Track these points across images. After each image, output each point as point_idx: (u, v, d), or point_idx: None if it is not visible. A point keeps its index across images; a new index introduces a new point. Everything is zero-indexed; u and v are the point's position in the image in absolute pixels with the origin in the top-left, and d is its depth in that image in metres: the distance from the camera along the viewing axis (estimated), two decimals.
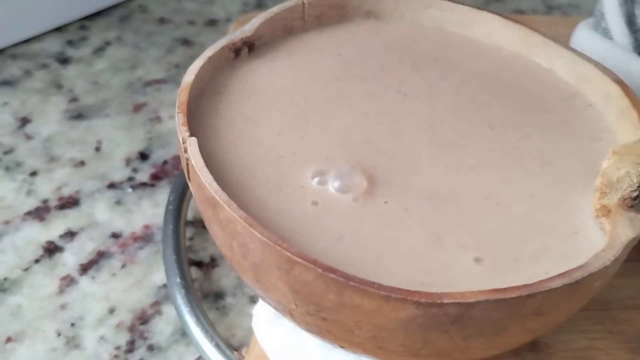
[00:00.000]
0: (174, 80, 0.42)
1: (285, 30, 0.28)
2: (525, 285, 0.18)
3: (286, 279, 0.19)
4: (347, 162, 0.22)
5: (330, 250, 0.20)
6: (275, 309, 0.21)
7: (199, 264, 0.32)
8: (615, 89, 0.25)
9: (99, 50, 0.44)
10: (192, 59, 0.43)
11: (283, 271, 0.19)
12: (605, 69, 0.25)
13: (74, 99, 0.40)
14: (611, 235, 0.20)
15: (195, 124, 0.23)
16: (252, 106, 0.24)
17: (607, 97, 0.25)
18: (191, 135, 0.22)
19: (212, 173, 0.21)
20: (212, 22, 0.47)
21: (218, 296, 0.30)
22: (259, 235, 0.19)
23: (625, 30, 0.33)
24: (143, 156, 0.37)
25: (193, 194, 0.22)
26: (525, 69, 0.27)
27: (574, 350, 0.27)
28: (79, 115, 0.39)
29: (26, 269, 0.31)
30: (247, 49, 0.27)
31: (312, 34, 0.28)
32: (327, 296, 0.18)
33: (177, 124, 0.22)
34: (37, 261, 0.31)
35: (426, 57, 0.28)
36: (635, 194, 0.21)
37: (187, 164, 0.22)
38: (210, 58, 0.25)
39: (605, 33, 0.34)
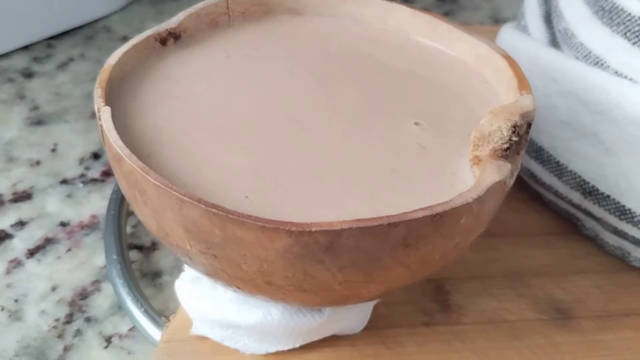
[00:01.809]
0: None
1: (211, 24, 0.31)
2: (388, 216, 0.20)
3: (179, 220, 0.21)
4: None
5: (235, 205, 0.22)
6: (177, 255, 0.23)
7: (140, 248, 0.34)
8: (503, 63, 0.27)
9: (63, 65, 0.46)
10: None
11: (175, 212, 0.21)
12: (497, 47, 0.28)
13: (35, 108, 0.42)
14: (479, 179, 0.22)
15: (117, 101, 0.26)
16: (170, 87, 0.27)
17: (498, 71, 0.27)
18: (107, 102, 0.24)
19: (125, 140, 0.23)
20: None
21: (156, 275, 0.32)
22: (153, 181, 0.21)
23: (542, 26, 0.36)
24: (96, 156, 0.39)
25: (109, 160, 0.24)
26: (430, 53, 0.30)
27: (483, 311, 0.29)
28: (39, 122, 0.41)
29: None
30: (173, 39, 0.29)
31: (236, 28, 0.31)
32: (213, 231, 0.20)
33: (95, 97, 0.25)
34: None
35: (339, 48, 0.30)
36: (505, 145, 0.23)
37: (102, 131, 0.24)
38: (134, 45, 0.28)
39: (524, 30, 0.37)
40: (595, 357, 0.27)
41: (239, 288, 0.23)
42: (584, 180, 0.30)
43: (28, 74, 0.45)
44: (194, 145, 0.24)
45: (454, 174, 0.24)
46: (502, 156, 0.23)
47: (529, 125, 0.24)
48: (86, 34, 0.50)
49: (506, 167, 0.23)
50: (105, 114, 0.24)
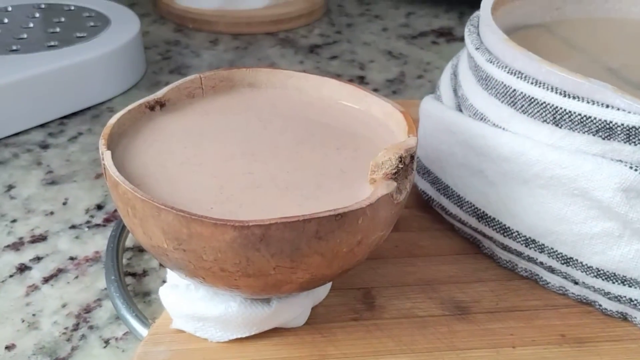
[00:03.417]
0: None
1: (189, 95, 0.40)
2: (303, 215, 0.29)
3: (158, 224, 0.30)
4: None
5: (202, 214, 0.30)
6: (158, 257, 0.32)
7: (133, 274, 0.42)
8: (401, 116, 0.36)
9: (73, 139, 0.56)
10: None
11: (155, 218, 0.29)
12: (398, 106, 0.37)
13: (50, 171, 0.52)
14: (372, 193, 0.31)
15: (116, 149, 0.35)
16: (156, 138, 0.36)
17: (398, 123, 0.37)
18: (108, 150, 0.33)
19: (120, 173, 0.32)
20: None
21: (146, 294, 0.40)
22: (140, 196, 0.30)
23: (451, 95, 0.45)
24: (99, 207, 0.48)
25: (109, 190, 0.33)
26: (351, 112, 0.39)
27: (400, 309, 0.37)
28: (52, 182, 0.50)
29: (3, 281, 0.41)
30: (160, 106, 0.39)
31: (208, 99, 0.40)
32: (182, 230, 0.29)
33: (100, 145, 0.34)
34: (11, 276, 0.42)
35: (285, 109, 0.39)
36: (394, 170, 0.32)
37: (104, 168, 0.33)
38: (130, 110, 0.37)
39: (439, 98, 0.47)
40: (485, 340, 0.35)
41: (203, 279, 0.31)
42: (477, 208, 0.39)
43: (44, 146, 0.55)
44: (173, 174, 0.33)
45: (359, 190, 0.32)
46: (391, 178, 0.32)
47: (412, 156, 0.33)
48: (93, 113, 0.60)
49: (393, 185, 0.31)
50: (107, 155, 0.33)
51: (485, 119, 0.39)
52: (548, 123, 0.35)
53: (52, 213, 0.47)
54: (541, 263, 0.38)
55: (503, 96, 0.38)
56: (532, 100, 0.36)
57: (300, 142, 0.36)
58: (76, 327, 0.38)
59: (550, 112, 0.35)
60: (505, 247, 0.39)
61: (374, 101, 0.39)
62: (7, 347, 0.37)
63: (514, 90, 0.37)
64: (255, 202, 0.32)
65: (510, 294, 0.38)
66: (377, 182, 0.32)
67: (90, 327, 0.38)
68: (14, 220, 0.46)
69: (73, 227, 0.46)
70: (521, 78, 0.36)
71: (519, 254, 0.38)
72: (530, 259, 0.38)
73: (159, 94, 0.39)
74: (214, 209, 0.31)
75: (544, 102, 0.35)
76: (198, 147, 0.35)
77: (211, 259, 0.30)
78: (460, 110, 0.43)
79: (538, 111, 0.36)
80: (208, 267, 0.30)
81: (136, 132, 0.37)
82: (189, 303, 0.34)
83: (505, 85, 0.37)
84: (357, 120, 0.38)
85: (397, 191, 0.32)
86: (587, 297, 0.37)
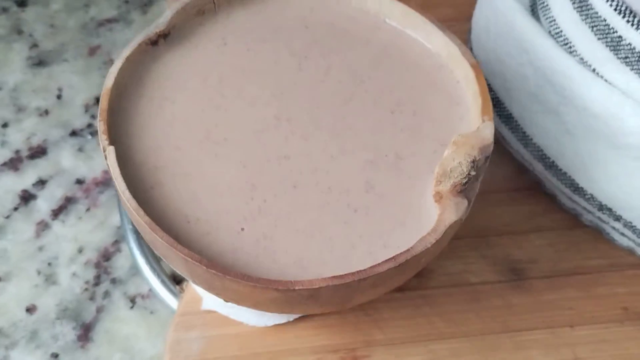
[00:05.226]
0: (124, 18, 0.45)
1: (198, 13, 0.32)
2: (358, 272, 0.24)
3: (185, 269, 0.25)
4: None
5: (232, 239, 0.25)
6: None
7: None
8: (471, 74, 0.29)
9: None
10: None
11: (182, 264, 0.25)
12: (467, 52, 0.29)
13: (34, 45, 0.44)
14: (439, 219, 0.26)
15: (119, 125, 0.28)
16: (164, 91, 0.29)
17: (467, 79, 0.29)
18: (111, 138, 0.27)
19: (129, 173, 0.26)
20: None
21: None
22: (160, 239, 0.24)
23: None
24: (98, 100, 0.42)
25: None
26: (404, 44, 0.31)
27: (450, 274, 0.34)
28: (40, 63, 0.43)
29: (7, 217, 0.37)
30: (163, 38, 0.31)
31: (221, 18, 0.32)
32: (214, 282, 0.25)
33: (99, 131, 0.27)
34: (16, 209, 0.37)
35: (325, 31, 0.31)
36: (464, 180, 0.26)
37: (109, 167, 0.27)
38: (127, 58, 0.29)
39: None
40: (541, 317, 0.32)
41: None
42: (545, 155, 0.33)
43: (21, 2, 0.46)
44: (192, 163, 0.27)
45: (420, 196, 0.27)
46: (461, 191, 0.26)
47: (487, 157, 0.27)
48: None
49: (463, 204, 0.26)
50: (110, 155, 0.26)
51: (572, 49, 0.31)
52: None
53: (46, 112, 0.41)
54: (612, 228, 0.33)
55: (603, 35, 0.29)
56: None
57: (347, 98, 0.29)
58: (97, 281, 0.35)
59: None
60: (571, 199, 0.34)
61: (434, 32, 0.31)
62: (27, 310, 0.34)
63: (620, 37, 0.28)
64: (292, 216, 0.26)
65: (571, 250, 0.35)
66: (444, 201, 0.26)
67: (113, 281, 0.35)
68: (5, 125, 0.40)
69: (74, 133, 0.40)
70: (632, 23, 0.28)
71: (587, 210, 0.34)
72: (600, 219, 0.34)
73: (161, 23, 0.31)
74: (245, 230, 0.26)
75: None
76: (219, 108, 0.29)
77: (249, 304, 0.26)
78: (536, 16, 0.34)
79: None
80: (246, 305, 0.26)
81: (140, 87, 0.29)
82: None
83: (608, 25, 0.29)
84: (413, 56, 0.31)
85: (466, 211, 0.26)
86: None
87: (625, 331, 0.32)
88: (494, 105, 0.36)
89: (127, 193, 0.25)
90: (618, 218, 0.32)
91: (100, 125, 0.27)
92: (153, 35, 0.30)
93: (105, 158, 0.27)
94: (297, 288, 0.24)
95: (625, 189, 0.31)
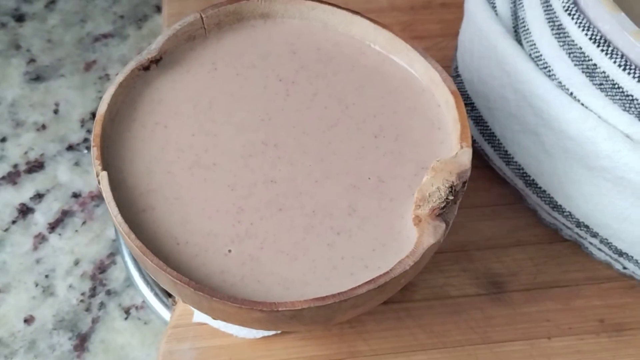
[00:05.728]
0: (119, 34, 0.46)
1: (189, 39, 0.33)
2: (339, 293, 0.25)
3: (174, 290, 0.26)
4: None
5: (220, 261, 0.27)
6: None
7: None
8: (451, 100, 0.30)
9: (51, 4, 0.48)
10: (135, 8, 0.48)
11: (171, 285, 0.26)
12: (448, 78, 0.30)
13: (32, 60, 0.45)
14: (417, 242, 0.27)
15: (111, 146, 0.29)
16: (157, 115, 0.30)
17: (447, 104, 0.30)
18: (104, 163, 0.28)
19: (121, 196, 0.27)
20: None
21: None
22: (150, 262, 0.26)
23: (507, 7, 0.36)
24: (94, 115, 0.43)
25: None
26: (387, 70, 0.32)
27: (432, 287, 0.35)
28: (37, 78, 0.44)
29: (6, 230, 0.38)
30: (155, 64, 0.32)
31: (212, 43, 0.33)
32: (202, 302, 0.26)
33: (92, 157, 0.28)
34: (14, 222, 0.39)
35: (312, 56, 0.33)
36: (443, 204, 0.27)
37: (102, 191, 0.28)
38: (121, 83, 0.30)
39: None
40: (520, 329, 0.34)
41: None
42: (525, 173, 0.35)
43: (19, 17, 0.47)
44: (182, 187, 0.29)
45: (399, 218, 0.28)
46: (439, 214, 0.27)
47: (465, 182, 0.28)
48: None
49: (441, 227, 0.27)
50: (103, 180, 0.28)
51: (550, 73, 0.32)
52: (631, 114, 0.29)
53: (43, 127, 0.42)
54: (590, 243, 0.35)
55: (579, 62, 0.30)
56: (615, 85, 0.29)
57: (332, 124, 0.30)
58: (93, 292, 0.37)
59: (637, 107, 0.29)
60: (551, 215, 0.35)
61: (416, 58, 0.32)
62: (26, 320, 0.36)
63: (595, 65, 0.30)
64: (277, 238, 0.28)
65: (551, 264, 0.36)
66: (422, 224, 0.27)
67: (108, 293, 0.37)
68: (3, 139, 0.42)
69: (70, 148, 0.42)
70: (606, 52, 0.29)
71: (565, 226, 0.35)
72: (578, 235, 0.35)
73: (153, 48, 0.32)
74: (233, 252, 0.27)
75: (631, 96, 0.29)
76: (208, 133, 0.30)
77: (235, 322, 0.27)
78: (519, 38, 0.35)
79: (621, 99, 0.29)
80: (231, 322, 0.28)
81: (132, 112, 0.31)
82: None
83: (584, 53, 0.30)
84: (396, 81, 0.32)
85: (443, 233, 0.27)
86: (635, 274, 0.35)
87: (601, 342, 0.34)
88: (478, 124, 0.37)
89: (119, 217, 0.27)
90: (595, 235, 0.33)
91: (94, 151, 0.28)
92: (145, 60, 0.31)
93: (99, 183, 0.28)
94: (280, 309, 0.25)
95: (599, 208, 0.32)
